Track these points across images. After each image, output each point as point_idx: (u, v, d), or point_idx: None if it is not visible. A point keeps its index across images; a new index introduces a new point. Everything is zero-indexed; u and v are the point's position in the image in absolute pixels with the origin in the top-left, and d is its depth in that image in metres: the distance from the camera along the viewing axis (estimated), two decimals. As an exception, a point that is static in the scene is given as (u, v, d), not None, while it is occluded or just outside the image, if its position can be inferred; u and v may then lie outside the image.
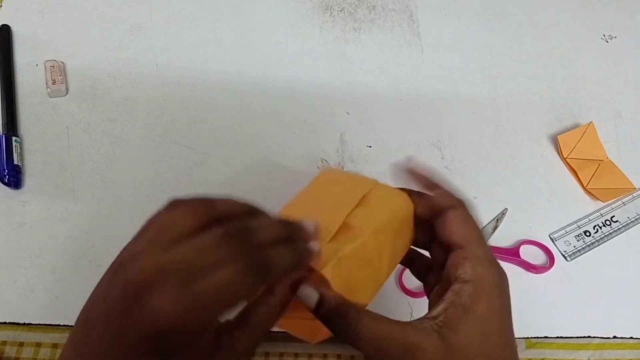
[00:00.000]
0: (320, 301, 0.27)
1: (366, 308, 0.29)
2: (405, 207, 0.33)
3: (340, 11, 0.62)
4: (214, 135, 0.53)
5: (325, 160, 0.53)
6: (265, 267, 0.26)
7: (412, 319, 0.29)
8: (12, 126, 0.50)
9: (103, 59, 0.55)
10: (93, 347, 0.25)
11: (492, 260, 0.29)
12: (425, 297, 0.34)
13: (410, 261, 0.36)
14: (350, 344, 0.27)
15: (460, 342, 0.26)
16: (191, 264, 0.24)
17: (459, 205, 0.30)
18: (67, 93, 0.53)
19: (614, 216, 0.54)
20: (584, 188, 0.55)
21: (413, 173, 0.33)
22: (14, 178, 0.47)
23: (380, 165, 0.53)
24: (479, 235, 0.30)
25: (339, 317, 0.27)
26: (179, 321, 0.23)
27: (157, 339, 0.23)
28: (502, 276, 0.29)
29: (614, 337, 0.48)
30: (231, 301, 0.24)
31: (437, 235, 0.31)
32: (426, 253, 0.35)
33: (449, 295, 0.28)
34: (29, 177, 0.49)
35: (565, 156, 0.56)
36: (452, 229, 0.30)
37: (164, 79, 0.55)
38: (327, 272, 0.28)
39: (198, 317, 0.23)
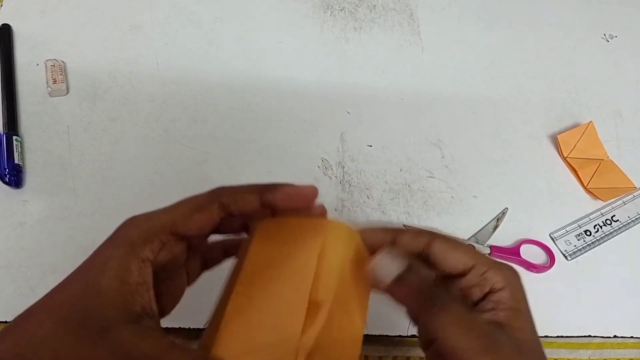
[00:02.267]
0: (409, 269, 0.27)
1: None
2: (355, 245, 0.29)
3: (341, 10, 0.62)
4: (214, 135, 0.53)
5: (326, 160, 0.53)
6: (222, 189, 0.27)
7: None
8: (12, 125, 0.50)
9: (104, 58, 0.55)
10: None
11: (501, 263, 0.30)
12: None
13: None
14: (429, 324, 0.26)
15: (523, 338, 0.27)
16: None
17: (435, 237, 0.29)
18: (67, 92, 0.53)
19: (614, 215, 0.54)
20: (585, 187, 0.55)
21: (370, 236, 0.30)
22: (15, 177, 0.47)
23: (380, 164, 0.53)
24: (474, 249, 0.30)
25: (430, 293, 0.26)
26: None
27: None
28: (517, 273, 0.30)
29: (615, 336, 0.48)
30: (189, 212, 0.26)
31: (440, 272, 0.30)
32: None
33: (487, 304, 0.28)
34: (30, 177, 0.49)
35: (565, 156, 0.56)
36: (451, 258, 0.29)
37: (164, 78, 0.55)
38: None
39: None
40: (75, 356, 0.23)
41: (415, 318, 0.28)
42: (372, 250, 0.29)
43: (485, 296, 0.28)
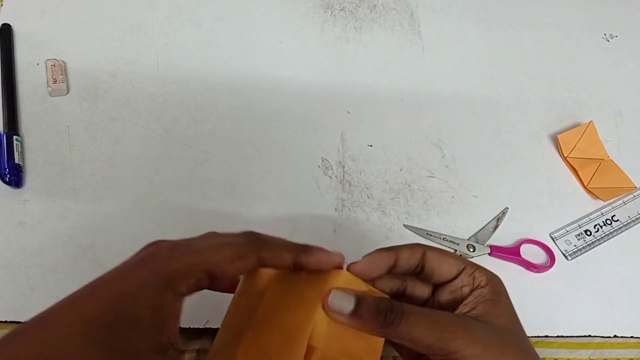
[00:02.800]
0: (359, 302, 0.28)
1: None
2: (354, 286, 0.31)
3: (341, 10, 0.62)
4: (215, 135, 0.53)
5: (326, 160, 0.53)
6: (260, 240, 0.29)
7: None
8: (13, 125, 0.50)
9: (104, 58, 0.55)
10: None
11: (486, 268, 0.33)
12: None
13: None
14: (398, 336, 0.28)
15: (501, 323, 0.30)
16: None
17: (426, 248, 0.33)
18: (67, 92, 0.53)
19: (614, 215, 0.54)
20: (585, 187, 0.55)
21: (369, 263, 0.32)
22: (15, 177, 0.47)
23: (380, 164, 0.53)
24: (459, 255, 0.34)
25: (387, 311, 0.28)
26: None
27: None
28: (498, 278, 0.33)
29: (615, 336, 0.48)
30: (223, 258, 0.27)
31: (434, 280, 0.33)
32: None
33: (471, 299, 0.31)
34: (30, 176, 0.49)
35: (565, 155, 0.56)
36: (444, 266, 0.32)
37: (164, 78, 0.55)
38: None
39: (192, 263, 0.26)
40: None
41: (392, 344, 0.31)
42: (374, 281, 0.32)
43: (471, 292, 0.32)
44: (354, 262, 0.31)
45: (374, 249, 0.32)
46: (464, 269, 0.32)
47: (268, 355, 0.28)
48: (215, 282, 0.28)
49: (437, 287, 0.34)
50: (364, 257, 0.32)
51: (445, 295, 0.33)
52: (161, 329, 0.25)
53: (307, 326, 0.28)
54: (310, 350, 0.28)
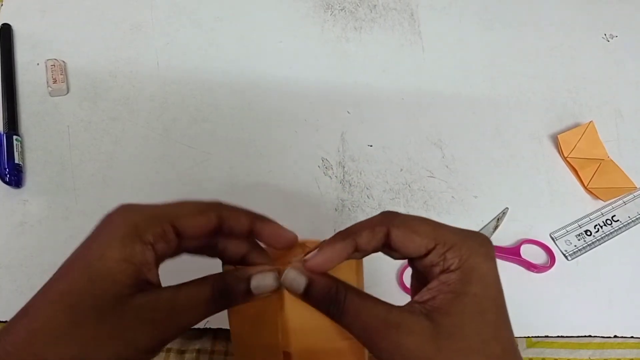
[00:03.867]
0: (310, 284, 0.27)
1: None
2: None
3: (341, 10, 0.62)
4: (215, 134, 0.53)
5: (326, 160, 0.53)
6: (222, 203, 0.29)
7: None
8: (13, 125, 0.50)
9: (104, 57, 0.55)
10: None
11: (470, 236, 0.28)
12: None
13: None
14: (337, 322, 0.27)
15: (453, 323, 0.25)
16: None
17: (389, 224, 0.28)
18: (68, 92, 0.53)
19: (614, 215, 0.54)
20: (585, 187, 0.55)
21: (324, 256, 0.29)
22: (15, 177, 0.47)
23: (380, 164, 0.53)
24: (435, 226, 0.28)
25: (329, 298, 0.27)
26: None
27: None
28: (484, 249, 0.28)
29: (615, 336, 0.48)
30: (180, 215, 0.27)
31: (404, 258, 0.29)
32: None
33: (434, 284, 0.27)
34: (30, 176, 0.49)
35: (566, 155, 0.56)
36: (410, 244, 0.28)
37: (164, 77, 0.55)
38: None
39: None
40: (100, 337, 0.24)
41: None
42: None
43: (439, 275, 0.27)
44: (309, 255, 0.29)
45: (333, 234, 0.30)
46: (434, 248, 0.27)
47: None
48: (182, 240, 0.28)
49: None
50: (320, 244, 0.29)
51: (420, 268, 0.29)
52: (139, 275, 0.25)
53: (276, 338, 0.30)
54: (287, 356, 0.30)
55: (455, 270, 0.26)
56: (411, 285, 0.33)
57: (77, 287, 0.25)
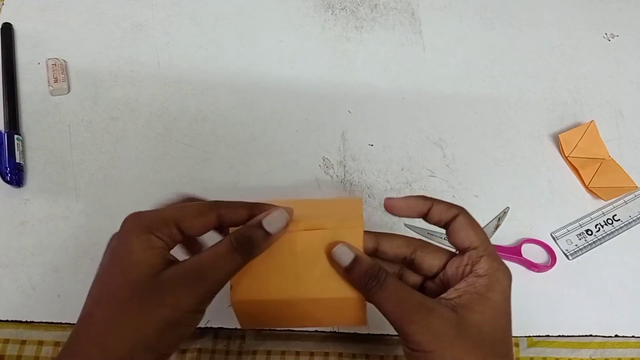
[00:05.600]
0: (355, 260, 0.31)
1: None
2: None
3: (342, 9, 0.62)
4: (215, 134, 0.53)
5: (327, 159, 0.53)
6: (219, 201, 0.33)
7: None
8: (14, 124, 0.50)
9: (105, 57, 0.55)
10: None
11: (500, 259, 0.33)
12: None
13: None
14: (370, 296, 0.31)
15: (474, 319, 0.30)
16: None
17: (461, 212, 0.33)
18: (68, 91, 0.53)
19: (615, 215, 0.54)
20: (586, 187, 0.55)
21: (405, 202, 0.35)
22: (16, 176, 0.47)
23: (381, 163, 0.53)
24: (486, 235, 0.33)
25: (372, 274, 0.30)
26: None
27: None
28: (508, 273, 0.32)
29: (616, 335, 0.48)
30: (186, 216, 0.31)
31: (450, 242, 0.34)
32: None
33: (462, 285, 0.31)
34: (31, 175, 0.49)
35: (567, 155, 0.56)
36: (464, 233, 0.33)
37: (165, 77, 0.55)
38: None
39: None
40: (147, 307, 0.28)
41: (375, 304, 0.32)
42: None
43: (464, 277, 0.32)
44: (391, 197, 0.34)
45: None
46: (476, 248, 0.32)
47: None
48: (187, 241, 0.34)
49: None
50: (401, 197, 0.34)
51: (448, 269, 0.34)
52: (162, 255, 0.30)
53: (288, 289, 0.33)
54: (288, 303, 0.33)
55: (483, 276, 0.31)
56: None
57: (119, 281, 0.29)
